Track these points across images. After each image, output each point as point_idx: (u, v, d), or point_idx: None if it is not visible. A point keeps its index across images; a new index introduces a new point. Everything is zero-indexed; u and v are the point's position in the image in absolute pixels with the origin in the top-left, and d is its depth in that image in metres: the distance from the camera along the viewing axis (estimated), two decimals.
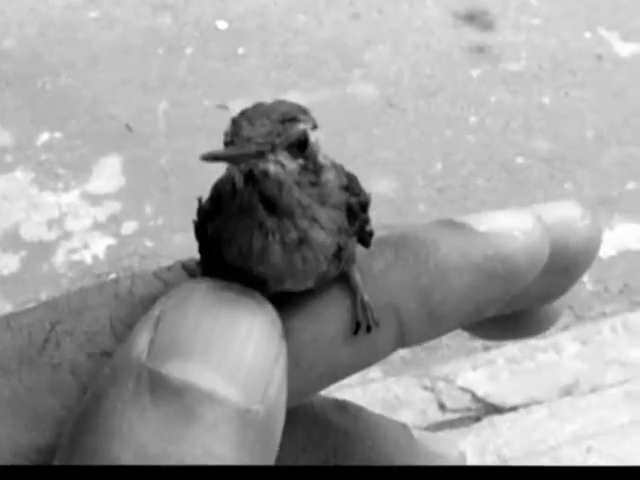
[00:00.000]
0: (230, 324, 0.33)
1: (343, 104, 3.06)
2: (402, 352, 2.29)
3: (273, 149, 0.34)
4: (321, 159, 0.37)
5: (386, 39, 3.42)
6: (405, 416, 2.09)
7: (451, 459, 0.47)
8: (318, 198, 0.36)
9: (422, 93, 3.14)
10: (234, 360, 0.32)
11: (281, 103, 0.36)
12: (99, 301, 0.38)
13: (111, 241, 2.61)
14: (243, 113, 0.35)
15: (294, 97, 3.05)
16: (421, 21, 3.51)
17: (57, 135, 2.97)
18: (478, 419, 2.15)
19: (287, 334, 0.35)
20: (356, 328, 0.37)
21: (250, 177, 0.35)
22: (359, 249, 0.39)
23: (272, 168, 0.34)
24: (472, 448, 2.06)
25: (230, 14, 3.55)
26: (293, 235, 0.36)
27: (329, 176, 0.37)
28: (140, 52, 3.36)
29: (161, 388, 0.31)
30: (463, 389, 2.22)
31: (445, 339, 2.32)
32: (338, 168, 0.38)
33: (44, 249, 2.59)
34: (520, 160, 2.85)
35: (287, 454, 0.44)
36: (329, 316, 0.38)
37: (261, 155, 0.34)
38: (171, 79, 3.23)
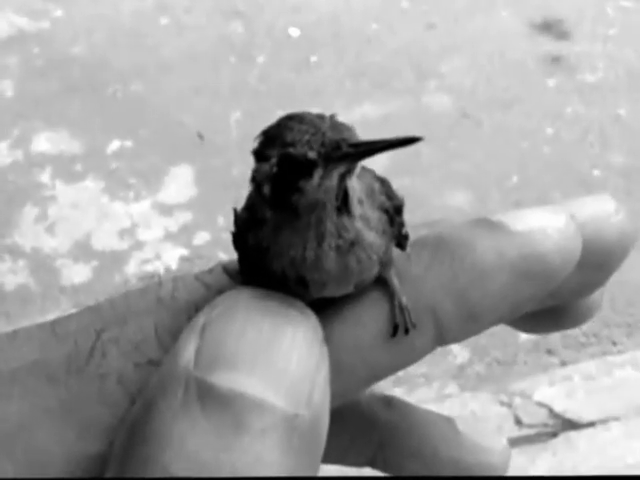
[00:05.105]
0: (274, 333, 0.34)
1: (418, 115, 3.02)
2: (478, 368, 2.28)
3: None
4: None
5: (461, 49, 3.37)
6: None
7: (496, 452, 0.49)
8: (366, 192, 0.38)
9: (497, 104, 3.10)
10: (279, 368, 0.33)
11: (312, 114, 0.36)
12: (143, 306, 0.38)
13: (183, 252, 2.58)
14: (288, 128, 0.35)
15: (368, 107, 3.02)
16: (496, 31, 3.47)
17: (128, 143, 2.94)
18: (555, 435, 2.13)
19: (328, 339, 0.36)
20: (394, 331, 0.38)
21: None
22: (396, 252, 0.40)
23: (359, 165, 0.36)
24: (549, 464, 2.04)
25: (302, 22, 3.51)
26: (351, 235, 0.36)
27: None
28: (211, 60, 3.33)
29: (210, 397, 0.31)
30: (540, 404, 2.19)
31: (521, 355, 2.31)
32: (371, 172, 0.40)
33: (116, 259, 2.57)
34: (596, 173, 2.81)
35: (335, 450, 0.46)
36: (368, 320, 0.38)
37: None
38: (243, 88, 3.19)
